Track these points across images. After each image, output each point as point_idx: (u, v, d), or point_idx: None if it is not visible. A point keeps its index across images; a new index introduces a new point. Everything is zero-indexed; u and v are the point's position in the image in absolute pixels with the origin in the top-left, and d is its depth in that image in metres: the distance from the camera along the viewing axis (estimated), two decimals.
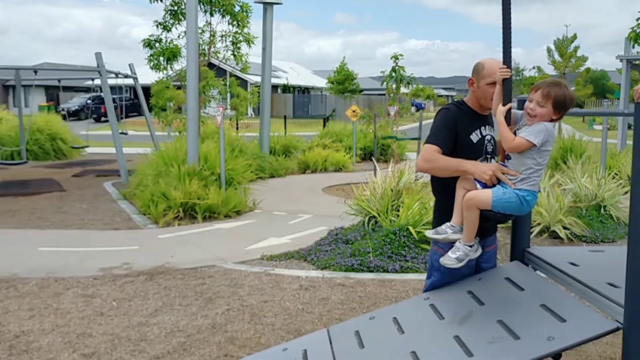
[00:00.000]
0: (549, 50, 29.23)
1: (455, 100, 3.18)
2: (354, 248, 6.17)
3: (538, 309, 2.69)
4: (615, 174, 9.44)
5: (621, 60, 14.17)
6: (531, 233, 6.83)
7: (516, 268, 3.24)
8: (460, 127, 2.96)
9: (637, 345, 2.31)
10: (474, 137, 2.99)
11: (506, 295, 2.97)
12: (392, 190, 6.94)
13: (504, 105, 2.78)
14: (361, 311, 4.66)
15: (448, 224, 3.00)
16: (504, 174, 2.76)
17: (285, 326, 4.40)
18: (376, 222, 6.77)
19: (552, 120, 2.70)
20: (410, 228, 6.14)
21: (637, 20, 7.52)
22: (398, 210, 6.69)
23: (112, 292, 5.19)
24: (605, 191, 7.75)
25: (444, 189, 3.07)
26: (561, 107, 2.67)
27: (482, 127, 3.03)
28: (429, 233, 3.13)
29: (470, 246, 2.93)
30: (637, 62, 14.59)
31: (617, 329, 2.37)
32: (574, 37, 28.91)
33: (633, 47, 11.14)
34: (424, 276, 5.52)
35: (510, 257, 3.42)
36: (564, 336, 2.42)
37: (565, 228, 6.83)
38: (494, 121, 3.14)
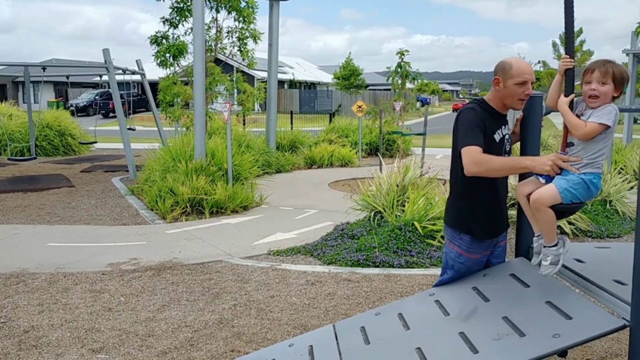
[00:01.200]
0: (554, 44, 29.12)
1: (476, 99, 3.16)
2: (359, 243, 6.19)
3: (543, 306, 2.69)
4: (621, 168, 9.41)
5: (627, 55, 14.06)
6: None
7: (521, 264, 3.24)
8: (487, 126, 2.95)
9: None
10: (497, 136, 3.00)
11: (511, 291, 2.98)
12: (397, 186, 6.95)
13: (566, 95, 2.79)
14: (367, 306, 4.68)
15: (541, 242, 2.90)
16: (564, 162, 2.73)
17: (292, 321, 4.43)
18: (382, 217, 6.79)
19: (613, 99, 2.69)
20: (416, 223, 6.15)
21: None
22: (403, 206, 6.70)
23: (120, 287, 5.24)
24: (611, 186, 7.72)
25: (473, 189, 3.03)
26: (620, 82, 2.65)
27: (503, 127, 3.05)
28: (535, 261, 2.98)
29: (555, 245, 2.82)
30: None
31: (624, 327, 2.37)
32: (580, 31, 28.78)
33: (639, 41, 11.05)
34: (429, 271, 5.56)
35: (515, 253, 3.42)
36: (570, 333, 2.43)
37: (570, 223, 6.81)
38: (508, 121, 3.18)
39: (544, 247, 2.84)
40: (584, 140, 2.69)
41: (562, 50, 30.67)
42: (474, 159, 2.80)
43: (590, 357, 3.83)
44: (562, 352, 2.59)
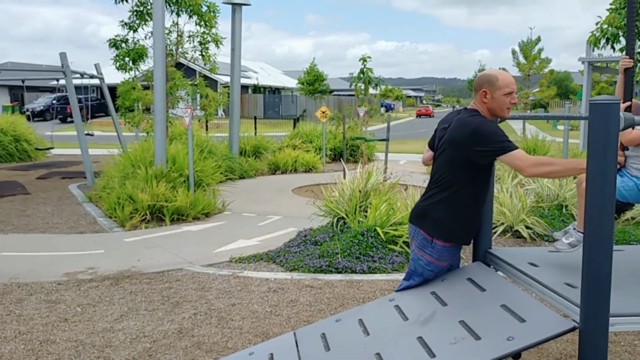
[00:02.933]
0: (513, 52, 29.86)
1: (472, 108, 3.16)
2: (322, 249, 6.20)
3: (499, 309, 2.75)
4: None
5: (583, 63, 14.55)
6: (495, 233, 6.98)
7: (478, 269, 3.31)
8: None
9: (592, 343, 2.38)
10: None
11: (468, 295, 3.04)
12: (360, 192, 6.99)
13: (624, 100, 2.90)
14: (329, 313, 4.68)
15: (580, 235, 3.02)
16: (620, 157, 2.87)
17: (253, 329, 4.40)
18: (345, 223, 6.82)
19: None
20: (378, 229, 6.20)
21: (597, 24, 7.74)
22: (366, 212, 6.74)
23: (76, 297, 5.11)
24: (567, 191, 7.95)
25: (460, 199, 3.10)
26: None
27: None
28: (558, 235, 3.21)
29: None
30: (598, 64, 15.00)
31: (574, 329, 2.44)
32: (538, 39, 29.59)
33: (593, 50, 11.44)
34: (391, 277, 5.60)
35: (473, 257, 3.49)
36: (523, 336, 2.48)
37: (527, 227, 6.98)
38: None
39: (574, 229, 3.07)
40: (630, 145, 2.87)
41: (521, 58, 31.37)
42: (533, 161, 2.83)
43: (546, 359, 3.92)
44: (516, 355, 2.64)
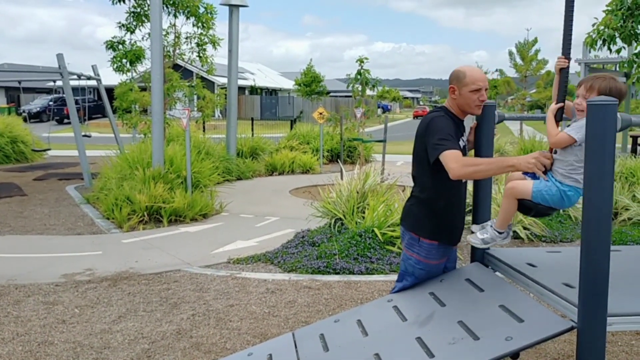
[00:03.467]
0: (510, 53, 29.93)
1: (437, 106, 3.22)
2: (320, 250, 6.20)
3: (497, 310, 2.76)
4: None
5: (579, 64, 14.59)
6: None
7: (476, 269, 3.31)
8: (455, 133, 3.03)
9: (590, 343, 2.39)
10: (461, 143, 3.08)
11: (467, 296, 3.04)
12: (357, 193, 7.00)
13: (557, 102, 2.84)
14: (327, 313, 4.69)
15: (496, 233, 3.05)
16: (547, 160, 2.79)
17: (251, 330, 4.40)
18: (342, 224, 6.82)
19: None
20: (376, 230, 6.21)
21: (593, 25, 7.77)
22: (364, 212, 6.75)
23: (74, 298, 5.10)
24: None
25: (437, 196, 3.10)
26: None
27: (463, 133, 3.15)
28: (475, 228, 3.17)
29: (500, 233, 3.01)
30: (594, 65, 15.06)
31: (572, 328, 2.45)
32: (535, 40, 29.66)
33: (589, 52, 11.49)
34: (389, 277, 5.61)
35: (471, 258, 3.50)
36: (522, 336, 2.49)
37: (525, 228, 7.00)
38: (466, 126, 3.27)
39: (491, 227, 3.03)
40: (556, 148, 2.78)
41: (518, 59, 31.51)
42: (461, 161, 2.84)
43: (544, 359, 3.93)
44: (515, 354, 2.65)
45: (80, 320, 4.60)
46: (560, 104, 2.85)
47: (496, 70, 40.46)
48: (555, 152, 2.83)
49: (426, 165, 3.04)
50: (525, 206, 2.89)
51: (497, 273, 3.31)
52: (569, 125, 2.78)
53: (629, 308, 2.52)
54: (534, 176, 2.85)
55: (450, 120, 3.07)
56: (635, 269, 3.16)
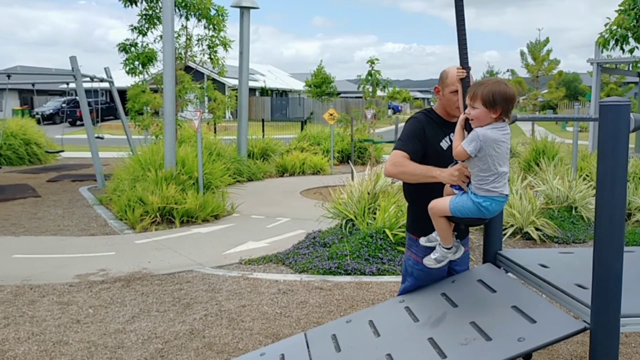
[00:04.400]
0: (522, 53, 29.69)
1: (425, 108, 3.22)
2: (331, 251, 6.22)
3: (509, 311, 2.76)
4: (587, 175, 9.66)
5: (592, 64, 14.49)
6: (504, 235, 6.97)
7: (488, 270, 3.31)
8: (429, 135, 3.01)
9: (603, 344, 2.39)
10: (444, 144, 3.04)
11: (479, 297, 3.04)
12: (368, 194, 7.01)
13: (464, 111, 2.72)
14: (339, 314, 4.70)
15: (444, 249, 3.04)
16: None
17: (264, 330, 4.43)
18: (353, 225, 6.83)
19: (496, 120, 2.61)
20: (387, 231, 6.21)
21: (606, 25, 7.72)
22: (375, 213, 6.76)
23: (88, 299, 5.16)
24: (577, 193, 7.93)
25: (417, 195, 3.12)
26: (492, 103, 2.54)
27: (452, 134, 3.02)
28: (422, 241, 3.14)
29: (448, 249, 3.01)
30: (606, 65, 14.94)
31: (585, 329, 2.45)
32: (547, 40, 29.41)
33: (602, 52, 11.41)
34: (400, 278, 5.60)
35: (483, 259, 3.49)
36: (534, 337, 2.49)
37: (537, 229, 6.97)
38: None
39: (439, 244, 3.01)
40: (459, 160, 2.73)
41: (529, 59, 31.35)
42: (394, 160, 2.93)
43: (556, 359, 3.92)
44: (527, 355, 2.64)
45: (95, 320, 4.65)
46: (465, 115, 2.71)
47: (507, 71, 40.34)
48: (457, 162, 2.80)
49: None
50: (454, 220, 2.89)
51: (509, 274, 3.30)
52: None
53: None
54: (459, 188, 2.80)
55: (423, 122, 3.04)
56: None
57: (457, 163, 2.88)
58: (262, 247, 6.92)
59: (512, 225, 7.07)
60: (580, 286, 2.76)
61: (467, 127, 2.72)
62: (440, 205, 2.85)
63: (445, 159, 2.96)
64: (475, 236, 6.68)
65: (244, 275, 5.84)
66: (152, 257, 6.49)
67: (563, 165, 10.28)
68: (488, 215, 2.77)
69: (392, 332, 3.06)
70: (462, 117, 2.73)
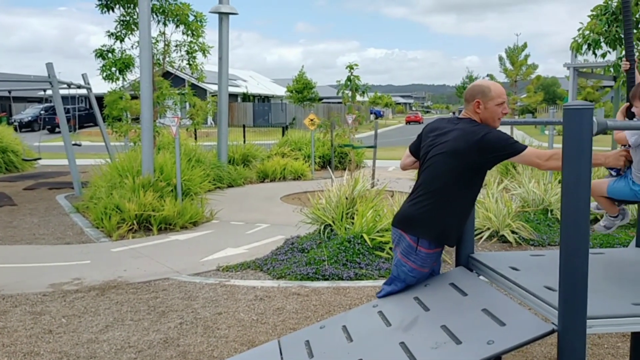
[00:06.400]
0: (500, 58, 30.12)
1: (463, 117, 3.21)
2: (309, 257, 6.20)
3: (480, 314, 2.77)
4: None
5: (568, 68, 14.69)
6: (481, 238, 7.02)
7: (460, 273, 3.32)
8: None
9: (570, 346, 2.40)
10: None
11: (450, 300, 3.05)
12: (346, 199, 7.01)
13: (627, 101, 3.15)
14: (315, 320, 4.68)
15: (605, 215, 3.48)
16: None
17: (239, 338, 4.39)
18: (332, 230, 6.83)
19: None
20: (365, 235, 6.21)
21: (579, 30, 7.85)
22: (353, 218, 6.76)
23: (61, 308, 5.07)
24: (552, 196, 8.01)
25: (465, 208, 3.21)
26: None
27: None
28: (601, 229, 3.54)
29: (615, 217, 3.39)
30: (583, 69, 15.15)
31: (553, 332, 2.46)
32: (525, 45, 29.86)
33: (576, 56, 11.58)
34: (378, 283, 5.61)
35: (455, 262, 3.51)
36: (503, 340, 2.50)
37: (513, 232, 7.03)
38: None
39: (606, 214, 3.43)
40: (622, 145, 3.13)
41: (508, 64, 31.76)
42: (548, 155, 2.95)
43: None
44: (497, 358, 2.65)
45: (67, 330, 4.58)
46: (627, 104, 3.20)
47: (487, 75, 40.74)
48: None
49: (464, 176, 3.06)
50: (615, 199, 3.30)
51: (481, 277, 3.32)
52: None
53: (609, 310, 2.54)
54: (617, 172, 3.21)
55: None
56: (617, 271, 3.17)
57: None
58: (240, 254, 6.88)
59: (488, 229, 7.12)
60: (549, 288, 2.78)
61: (629, 115, 3.18)
62: (598, 187, 3.23)
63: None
64: None
65: (221, 282, 5.79)
66: (128, 265, 6.42)
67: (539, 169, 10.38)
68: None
69: (364, 337, 3.06)
70: (625, 105, 3.17)
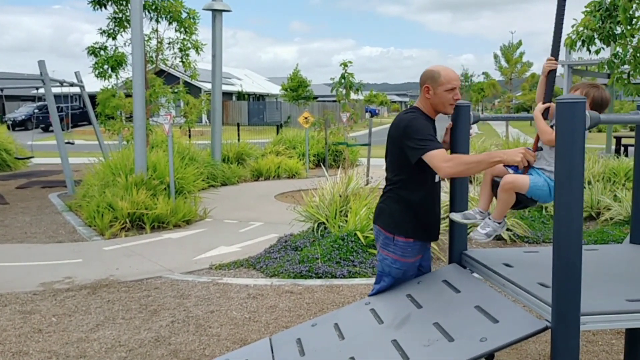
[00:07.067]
0: (495, 56, 30.15)
1: (411, 107, 3.25)
2: (302, 255, 6.16)
3: (472, 311, 2.74)
4: None
5: (563, 66, 14.70)
6: None
7: (454, 270, 3.29)
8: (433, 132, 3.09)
9: (564, 343, 2.37)
10: None
11: (443, 297, 3.02)
12: (340, 196, 6.98)
13: (544, 102, 2.91)
14: (308, 318, 4.65)
15: (477, 209, 3.13)
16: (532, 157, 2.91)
17: (231, 336, 4.35)
18: (325, 228, 6.79)
19: None
20: (358, 233, 6.18)
21: (573, 27, 7.82)
22: (346, 216, 6.72)
23: (52, 307, 5.02)
24: None
25: (425, 198, 3.16)
26: (597, 107, 2.81)
27: (436, 133, 3.15)
28: (457, 217, 3.19)
29: (499, 223, 3.09)
30: (577, 67, 15.18)
31: (546, 329, 2.43)
32: (519, 43, 29.88)
33: (569, 53, 11.58)
34: (371, 280, 5.57)
35: (449, 259, 3.48)
36: (496, 337, 2.47)
37: (508, 229, 7.00)
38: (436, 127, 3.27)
39: (489, 218, 3.09)
40: (549, 146, 2.85)
41: (503, 62, 31.78)
42: (445, 159, 2.88)
43: (525, 359, 3.91)
44: (490, 356, 2.62)
45: (57, 329, 4.52)
46: (548, 104, 2.93)
47: (482, 74, 40.81)
48: (541, 149, 2.92)
49: (404, 165, 3.06)
50: (518, 198, 3.01)
51: (474, 274, 3.29)
52: (552, 125, 2.84)
53: (602, 307, 2.51)
54: (516, 169, 2.96)
55: (426, 120, 3.11)
56: (611, 268, 3.15)
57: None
58: (233, 252, 6.83)
59: None
60: (542, 285, 2.75)
61: (545, 115, 2.91)
62: (521, 182, 2.91)
63: None
64: (445, 236, 6.68)
65: (214, 280, 5.75)
66: (120, 264, 6.36)
67: None
68: (550, 200, 2.90)
69: (356, 335, 3.02)
70: (541, 107, 2.89)
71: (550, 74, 2.96)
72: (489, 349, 2.43)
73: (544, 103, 2.93)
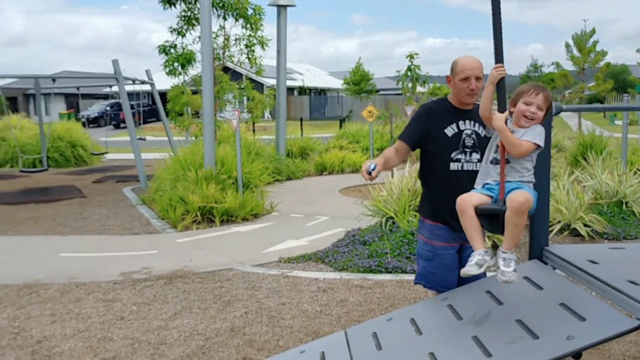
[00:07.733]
0: (567, 45, 28.94)
1: (441, 97, 3.36)
2: (371, 249, 6.15)
3: (557, 308, 2.65)
4: (638, 169, 9.27)
5: None
6: (551, 231, 6.75)
7: (535, 267, 3.20)
8: (432, 121, 3.13)
9: None
10: (449, 131, 3.10)
11: (524, 294, 2.94)
12: (409, 191, 6.90)
13: (500, 111, 2.70)
14: (379, 312, 4.64)
15: (480, 251, 2.77)
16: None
17: (304, 328, 4.40)
18: (393, 222, 6.74)
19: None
20: None
21: None
22: (415, 211, 6.65)
23: (132, 296, 5.24)
24: (627, 187, 7.61)
25: (431, 180, 3.25)
26: (549, 110, 2.74)
27: (461, 122, 3.12)
28: (472, 269, 2.74)
29: (511, 251, 2.76)
30: None
31: (638, 328, 2.33)
32: (593, 31, 28.57)
33: None
34: None
35: (529, 255, 3.38)
36: (584, 335, 2.38)
37: (586, 225, 6.72)
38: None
39: (503, 252, 2.73)
40: (519, 158, 2.68)
41: (575, 51, 30.41)
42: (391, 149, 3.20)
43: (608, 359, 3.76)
44: (577, 354, 2.53)
45: (138, 317, 4.72)
46: (507, 113, 2.68)
47: (552, 64, 39.29)
48: (508, 162, 2.68)
49: (421, 153, 3.31)
50: (495, 214, 2.70)
51: (557, 270, 3.18)
52: (513, 132, 2.65)
53: None
54: (489, 191, 2.73)
55: (427, 109, 3.21)
56: None
57: (465, 152, 3.10)
58: (301, 246, 6.91)
59: (559, 222, 6.85)
60: (633, 282, 2.63)
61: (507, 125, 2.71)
62: (530, 197, 2.62)
63: (449, 145, 3.09)
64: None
65: (284, 273, 5.83)
66: (193, 256, 6.57)
67: (612, 160, 9.90)
68: (533, 212, 2.76)
69: (434, 331, 2.99)
70: (501, 116, 2.67)
71: (500, 82, 2.71)
72: (577, 347, 2.34)
73: (500, 112, 2.69)
